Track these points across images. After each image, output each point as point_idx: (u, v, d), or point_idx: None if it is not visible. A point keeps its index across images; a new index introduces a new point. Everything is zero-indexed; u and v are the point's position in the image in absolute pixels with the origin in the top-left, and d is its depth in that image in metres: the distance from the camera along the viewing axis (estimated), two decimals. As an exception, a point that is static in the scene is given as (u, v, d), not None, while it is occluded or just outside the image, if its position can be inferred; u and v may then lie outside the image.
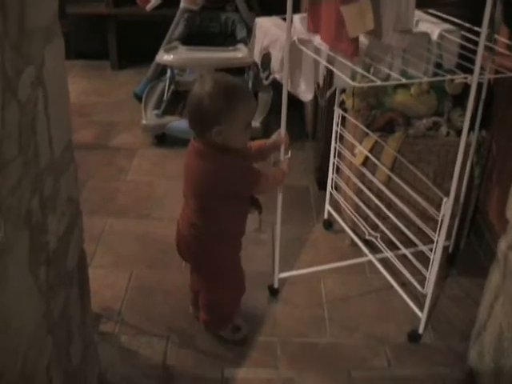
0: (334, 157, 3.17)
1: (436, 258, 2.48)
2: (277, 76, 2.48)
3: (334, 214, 3.30)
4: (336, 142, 3.12)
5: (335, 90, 2.92)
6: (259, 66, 2.65)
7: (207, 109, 2.13)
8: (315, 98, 3.36)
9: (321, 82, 2.47)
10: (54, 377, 1.77)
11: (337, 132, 3.09)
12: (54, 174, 1.70)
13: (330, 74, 2.52)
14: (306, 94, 2.47)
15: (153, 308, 2.79)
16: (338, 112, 3.04)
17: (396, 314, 2.78)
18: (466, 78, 2.16)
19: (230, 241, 2.46)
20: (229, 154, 2.19)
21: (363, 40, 2.27)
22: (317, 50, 2.35)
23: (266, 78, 2.58)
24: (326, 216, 3.39)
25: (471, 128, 2.79)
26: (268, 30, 2.54)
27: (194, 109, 2.18)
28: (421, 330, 2.63)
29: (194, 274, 2.61)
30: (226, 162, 2.20)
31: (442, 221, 2.40)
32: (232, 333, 2.62)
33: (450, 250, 3.11)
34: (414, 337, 2.64)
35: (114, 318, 2.71)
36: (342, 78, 2.20)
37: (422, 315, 2.60)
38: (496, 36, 2.54)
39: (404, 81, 2.19)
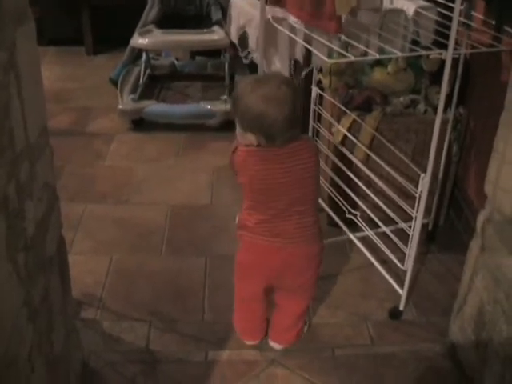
0: (313, 136, 3.16)
1: (415, 234, 2.48)
2: (255, 55, 2.47)
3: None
4: (314, 121, 3.11)
5: (312, 69, 2.91)
6: (237, 46, 2.64)
7: (300, 103, 2.06)
8: (291, 77, 3.36)
9: (300, 59, 2.46)
10: (36, 364, 1.76)
11: (315, 111, 3.08)
12: (29, 159, 1.67)
13: (308, 53, 2.51)
14: (280, 71, 2.46)
15: (134, 293, 2.78)
16: (315, 91, 3.04)
17: (378, 292, 2.79)
18: (440, 53, 2.15)
19: None
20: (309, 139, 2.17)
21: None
22: (292, 28, 2.34)
23: (246, 57, 2.57)
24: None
25: (448, 105, 2.80)
26: (242, 9, 2.52)
27: (294, 109, 1.97)
28: (402, 307, 2.64)
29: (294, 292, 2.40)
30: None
31: (419, 197, 2.41)
32: (306, 327, 2.60)
33: (430, 227, 3.12)
34: (395, 313, 2.66)
35: (95, 304, 2.69)
36: (319, 56, 2.19)
37: (403, 292, 2.61)
38: (472, 12, 2.54)
39: (378, 56, 2.19)
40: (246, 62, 2.59)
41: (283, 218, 2.16)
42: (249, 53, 2.54)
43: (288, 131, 2.00)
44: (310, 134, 3.15)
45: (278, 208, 2.14)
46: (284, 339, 2.50)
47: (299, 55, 2.43)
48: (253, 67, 2.66)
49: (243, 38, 2.54)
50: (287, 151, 2.06)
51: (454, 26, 2.05)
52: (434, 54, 2.19)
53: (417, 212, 2.45)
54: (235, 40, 2.63)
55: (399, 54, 2.23)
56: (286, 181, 2.09)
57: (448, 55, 2.11)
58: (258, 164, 2.08)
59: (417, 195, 2.42)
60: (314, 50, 2.25)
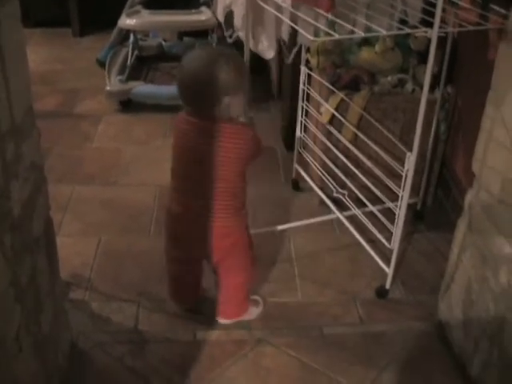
0: (302, 116, 3.15)
1: (401, 213, 2.49)
2: (240, 33, 2.46)
3: (303, 172, 3.30)
4: (303, 101, 3.11)
5: (301, 48, 2.90)
6: (222, 25, 2.63)
7: (218, 80, 2.03)
8: (280, 57, 3.35)
9: (285, 38, 2.45)
10: (24, 344, 1.76)
11: (304, 91, 3.08)
12: (15, 139, 1.66)
13: (295, 32, 2.50)
14: (267, 51, 2.46)
15: (122, 274, 2.77)
16: (304, 71, 3.03)
17: (366, 271, 2.80)
18: (425, 31, 2.14)
19: (246, 211, 2.34)
20: (245, 126, 2.15)
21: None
22: (278, 7, 2.33)
23: (230, 37, 2.56)
24: (294, 175, 3.38)
25: (436, 84, 2.80)
26: (229, -13, 2.51)
27: (201, 82, 2.05)
28: (388, 286, 2.65)
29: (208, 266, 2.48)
30: (248, 133, 2.13)
31: (406, 176, 2.41)
32: (255, 308, 2.59)
33: (419, 206, 3.13)
34: (381, 292, 2.67)
35: (83, 285, 2.69)
36: (304, 35, 2.18)
37: (389, 270, 2.62)
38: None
39: (363, 35, 2.18)
40: (230, 41, 2.58)
41: (193, 192, 2.22)
42: (233, 32, 2.53)
43: (193, 103, 2.11)
44: (299, 113, 3.15)
45: (190, 182, 2.21)
46: (222, 312, 2.51)
47: (285, 34, 2.43)
48: (240, 47, 2.65)
49: (229, 17, 2.53)
50: (211, 128, 2.10)
51: (440, 3, 2.04)
52: (420, 32, 2.18)
53: (403, 191, 2.45)
54: (221, 19, 2.62)
55: (384, 32, 2.22)
56: (199, 156, 2.14)
57: (433, 33, 2.10)
58: (182, 131, 2.18)
59: (403, 174, 2.42)
60: (299, 29, 2.24)
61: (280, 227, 2.96)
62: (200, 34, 4.90)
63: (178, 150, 2.22)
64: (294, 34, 2.53)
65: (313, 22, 2.18)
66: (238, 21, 2.44)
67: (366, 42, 2.95)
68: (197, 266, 2.49)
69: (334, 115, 2.89)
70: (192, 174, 2.20)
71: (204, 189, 2.18)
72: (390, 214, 2.61)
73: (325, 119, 2.93)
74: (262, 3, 2.31)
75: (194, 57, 2.16)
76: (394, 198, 2.59)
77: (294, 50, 2.80)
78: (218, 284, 2.49)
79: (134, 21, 4.23)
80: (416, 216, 3.13)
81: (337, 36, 2.09)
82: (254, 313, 2.56)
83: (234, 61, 2.08)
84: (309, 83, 3.07)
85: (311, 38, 2.17)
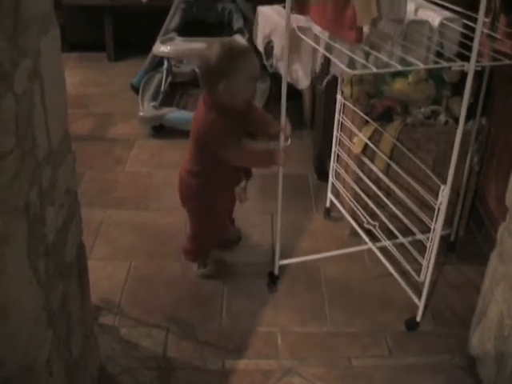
0: (336, 145, 3.15)
1: (434, 246, 2.46)
2: (279, 63, 2.49)
3: (336, 202, 3.29)
4: (338, 131, 3.11)
5: (336, 77, 2.91)
6: (263, 55, 2.65)
7: (214, 66, 2.41)
8: (313, 86, 3.35)
9: (317, 69, 2.46)
10: (55, 369, 1.77)
11: (339, 120, 3.08)
12: (51, 165, 1.69)
13: (327, 62, 2.51)
14: (302, 81, 2.46)
15: (152, 299, 2.78)
16: (340, 100, 3.03)
17: (396, 302, 2.78)
18: (462, 65, 2.14)
19: (215, 191, 2.72)
20: (215, 110, 2.49)
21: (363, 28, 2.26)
22: (316, 38, 2.34)
23: (271, 66, 2.59)
24: (328, 204, 3.37)
25: (471, 116, 2.78)
26: (269, 18, 2.54)
27: (204, 68, 2.50)
28: (419, 318, 2.63)
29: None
30: (208, 115, 2.50)
31: (439, 209, 2.39)
32: (199, 266, 2.95)
33: (453, 238, 3.10)
34: (411, 324, 2.64)
35: (113, 310, 2.70)
36: (340, 66, 2.19)
37: (420, 303, 2.59)
38: (497, 24, 2.52)
39: (399, 67, 2.18)
40: (271, 70, 2.62)
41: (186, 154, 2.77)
42: (273, 61, 2.56)
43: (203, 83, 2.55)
44: (334, 143, 3.15)
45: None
46: None
47: (318, 65, 2.45)
48: (273, 75, 2.68)
49: (268, 46, 2.56)
50: (200, 103, 2.61)
51: (477, 39, 2.04)
52: (457, 66, 2.18)
53: (435, 224, 2.43)
54: (261, 49, 2.65)
55: (421, 65, 2.22)
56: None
57: (470, 67, 2.10)
58: None
59: (436, 207, 2.41)
60: (334, 60, 2.25)
61: (311, 257, 2.95)
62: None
63: None
64: (326, 63, 2.54)
65: (349, 53, 2.19)
66: (277, 51, 2.47)
67: (400, 72, 2.95)
68: None
69: (366, 145, 2.89)
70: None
71: (188, 150, 2.73)
72: (421, 245, 2.59)
73: (357, 150, 2.92)
74: (300, 34, 2.33)
75: (206, 49, 2.55)
76: (426, 229, 2.57)
77: (326, 79, 2.81)
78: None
79: (168, 48, 4.27)
80: (449, 247, 3.10)
81: (374, 69, 2.10)
82: (196, 270, 2.95)
83: (232, 51, 2.43)
84: (342, 112, 3.08)
85: (348, 70, 2.18)
